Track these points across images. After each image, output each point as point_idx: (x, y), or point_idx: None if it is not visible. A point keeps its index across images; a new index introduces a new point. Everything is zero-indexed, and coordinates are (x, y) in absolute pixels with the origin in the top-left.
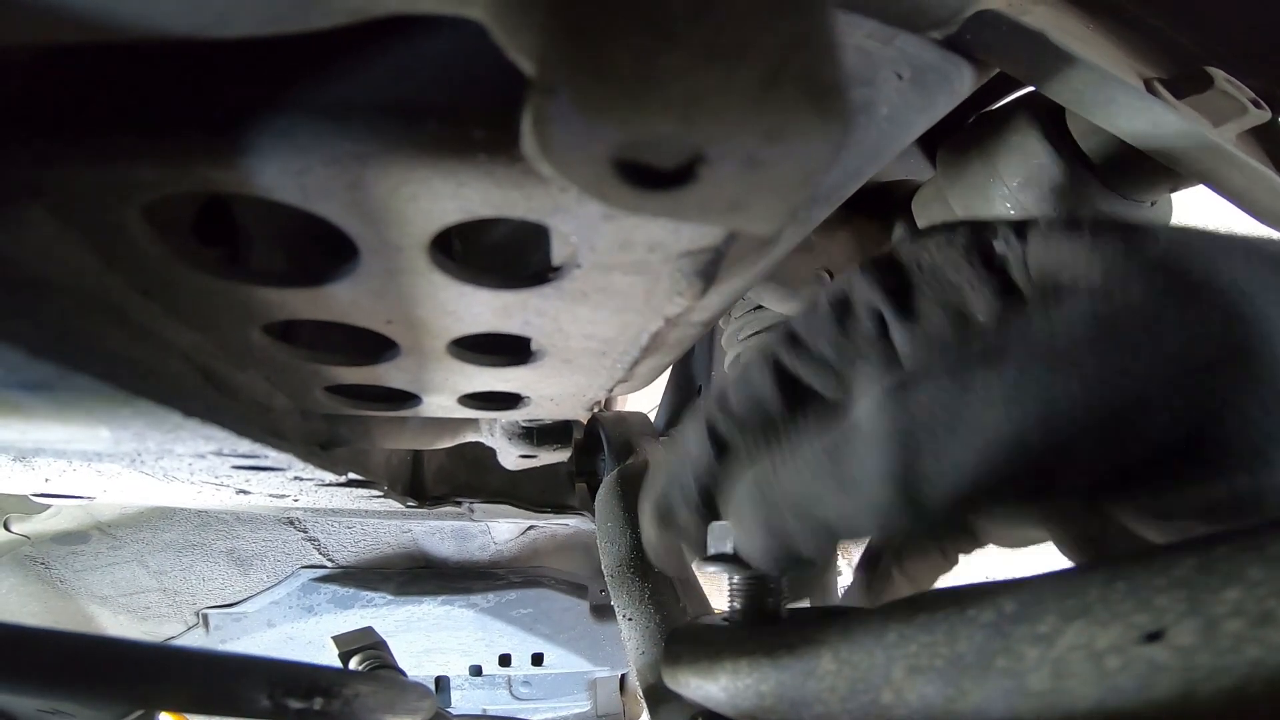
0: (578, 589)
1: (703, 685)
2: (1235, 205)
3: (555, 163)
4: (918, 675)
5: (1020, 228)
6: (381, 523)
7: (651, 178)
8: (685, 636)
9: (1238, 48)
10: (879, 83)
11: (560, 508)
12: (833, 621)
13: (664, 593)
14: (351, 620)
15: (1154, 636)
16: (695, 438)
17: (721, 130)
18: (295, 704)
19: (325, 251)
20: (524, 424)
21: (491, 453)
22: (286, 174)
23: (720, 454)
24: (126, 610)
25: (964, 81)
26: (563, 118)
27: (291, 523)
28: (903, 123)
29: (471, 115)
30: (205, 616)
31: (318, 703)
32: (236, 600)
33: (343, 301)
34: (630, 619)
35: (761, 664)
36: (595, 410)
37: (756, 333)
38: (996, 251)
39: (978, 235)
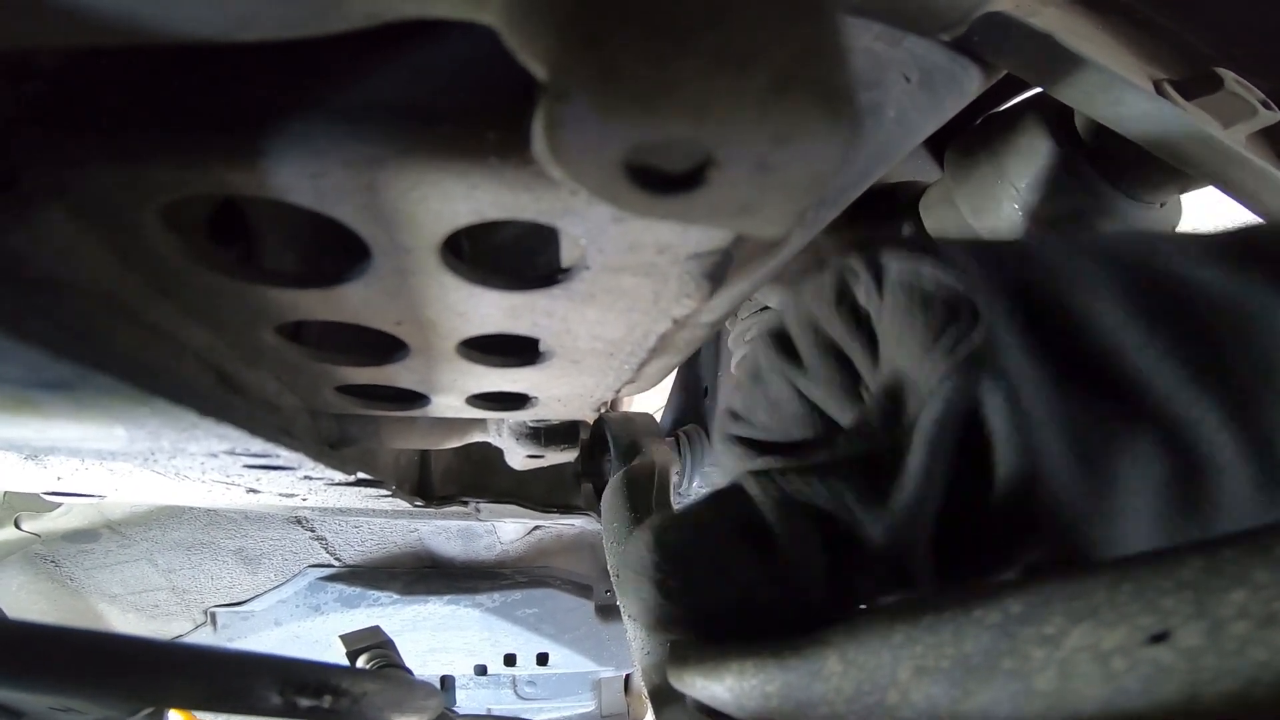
0: (583, 589)
1: (708, 686)
2: (1245, 206)
3: (566, 166)
4: (924, 676)
5: (878, 269)
6: (388, 522)
7: (662, 181)
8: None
9: (1249, 49)
10: (887, 85)
11: (566, 508)
12: (838, 622)
13: None
14: (358, 619)
15: (1160, 638)
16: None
17: (732, 134)
18: (305, 702)
19: (337, 253)
20: (531, 424)
21: (498, 453)
22: (301, 176)
23: None
24: (135, 608)
25: (972, 83)
26: (574, 121)
27: (299, 522)
28: (910, 125)
29: (484, 118)
30: (213, 615)
31: (327, 700)
32: (244, 599)
33: (354, 302)
34: (636, 620)
35: (768, 665)
36: (602, 411)
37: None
38: (860, 304)
39: (840, 285)
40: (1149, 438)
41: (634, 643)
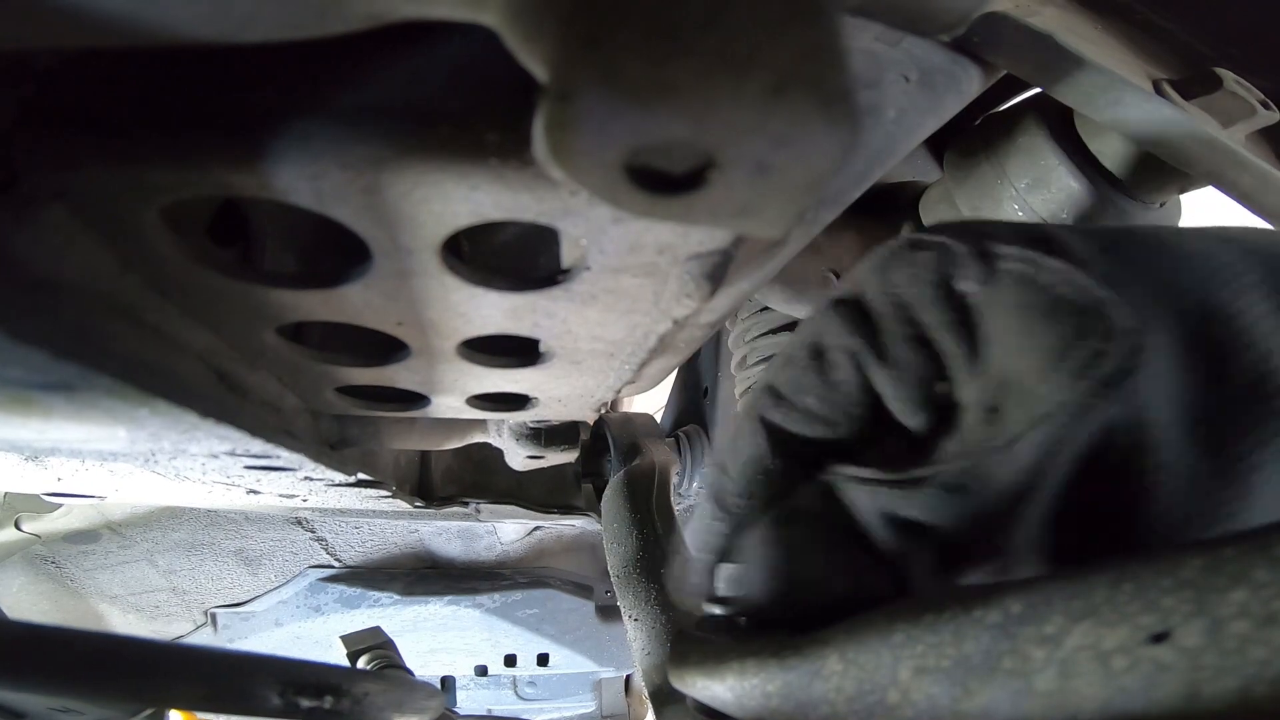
0: (583, 590)
1: (709, 686)
2: (1243, 206)
3: (567, 167)
4: (924, 676)
5: (988, 257)
6: (389, 523)
7: (662, 182)
8: (692, 637)
9: (1248, 49)
10: (886, 85)
11: (566, 509)
12: (839, 623)
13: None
14: (359, 620)
15: (1160, 637)
16: (708, 511)
17: (731, 136)
18: (306, 702)
19: (336, 253)
20: (531, 425)
21: (498, 454)
22: (302, 178)
23: (732, 521)
24: (136, 609)
25: (972, 83)
26: (575, 123)
27: (299, 523)
28: (910, 125)
29: (484, 119)
30: (213, 616)
31: (328, 701)
32: (244, 600)
33: (355, 303)
34: (636, 620)
35: (768, 665)
36: (602, 412)
37: (763, 334)
38: (959, 290)
39: (943, 270)
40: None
41: (634, 643)
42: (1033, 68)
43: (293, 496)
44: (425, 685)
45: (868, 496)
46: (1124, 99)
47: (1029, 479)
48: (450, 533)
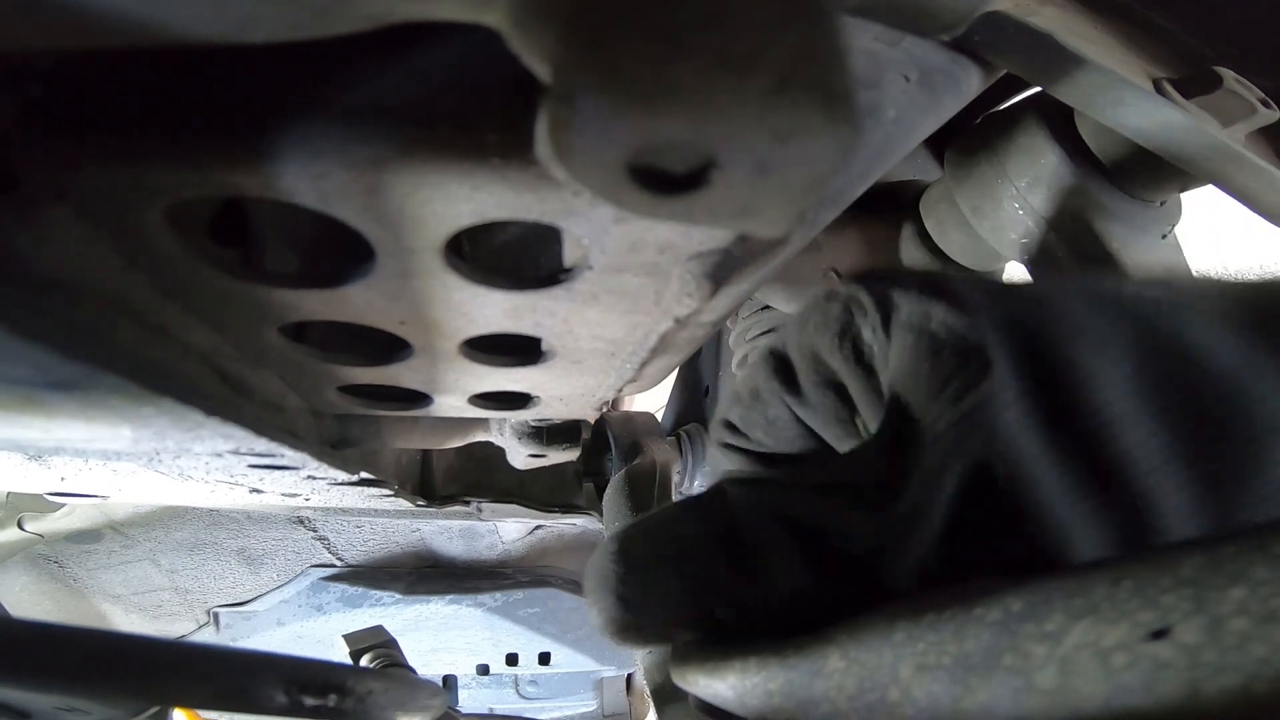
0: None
1: (711, 684)
2: (1244, 204)
3: (570, 167)
4: (925, 673)
5: (887, 305)
6: (390, 522)
7: (664, 182)
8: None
9: (1248, 48)
10: (886, 85)
11: (568, 507)
12: (841, 621)
13: None
14: (361, 619)
15: (1160, 634)
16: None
17: (732, 136)
18: (310, 700)
19: (338, 253)
20: (533, 424)
21: (500, 453)
22: (304, 178)
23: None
24: (139, 609)
25: (971, 83)
26: (578, 123)
27: (301, 522)
28: (910, 125)
29: (486, 119)
30: (216, 615)
31: (332, 699)
32: (247, 599)
33: (358, 303)
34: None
35: (770, 662)
36: (603, 410)
37: (764, 333)
38: (862, 336)
39: (845, 319)
40: (1119, 511)
41: None
42: (1033, 67)
43: (295, 495)
44: (428, 684)
45: (752, 494)
46: (1124, 98)
47: (919, 506)
48: (452, 532)
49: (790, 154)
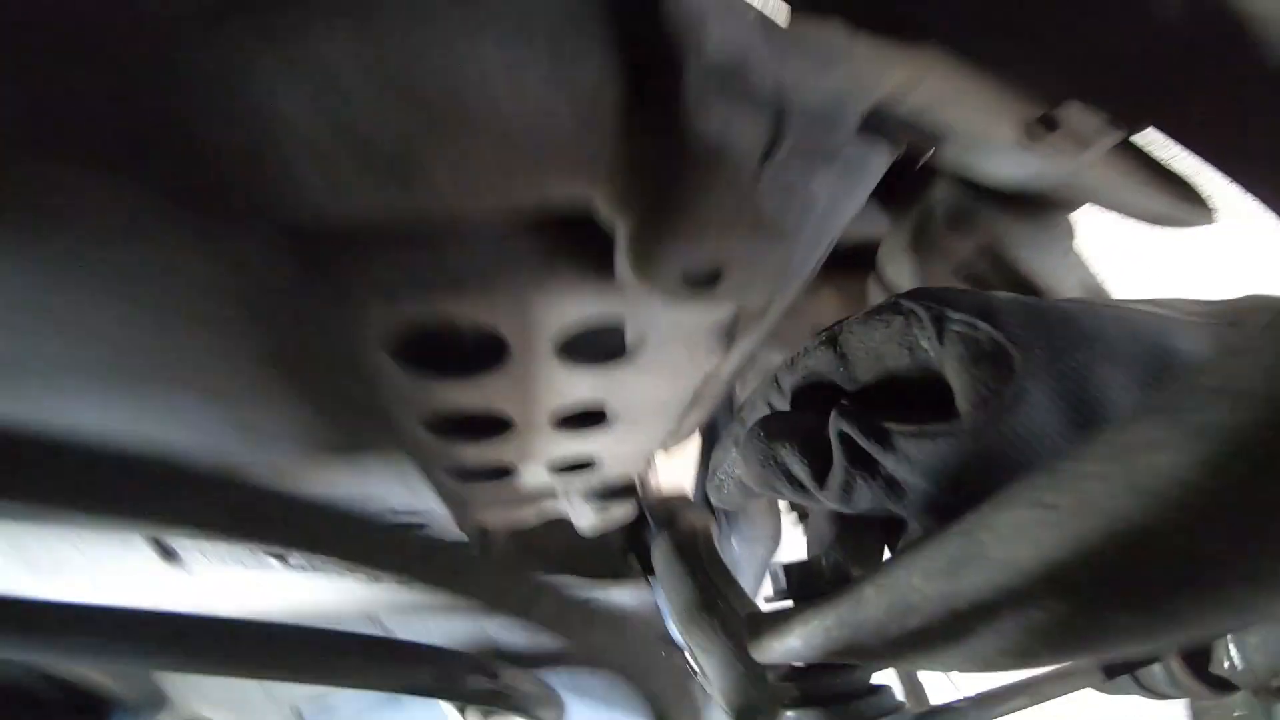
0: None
1: (784, 643)
2: (1121, 215)
3: (645, 278)
4: (930, 577)
5: (941, 321)
6: (451, 616)
7: (696, 282)
8: (759, 616)
9: (1094, 78)
10: (816, 186)
11: (618, 577)
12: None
13: (731, 622)
14: (436, 707)
15: (1049, 507)
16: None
17: (732, 257)
18: (486, 684)
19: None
20: (597, 486)
21: (545, 533)
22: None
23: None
24: (229, 708)
25: (881, 160)
26: (657, 253)
27: (371, 619)
28: (839, 208)
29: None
30: (299, 711)
31: (498, 683)
32: (327, 693)
33: (488, 392)
34: (706, 650)
35: (823, 609)
36: (639, 491)
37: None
38: (921, 348)
39: (907, 332)
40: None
41: (710, 672)
42: (918, 141)
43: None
44: (553, 693)
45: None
46: (990, 157)
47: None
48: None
49: (759, 261)
